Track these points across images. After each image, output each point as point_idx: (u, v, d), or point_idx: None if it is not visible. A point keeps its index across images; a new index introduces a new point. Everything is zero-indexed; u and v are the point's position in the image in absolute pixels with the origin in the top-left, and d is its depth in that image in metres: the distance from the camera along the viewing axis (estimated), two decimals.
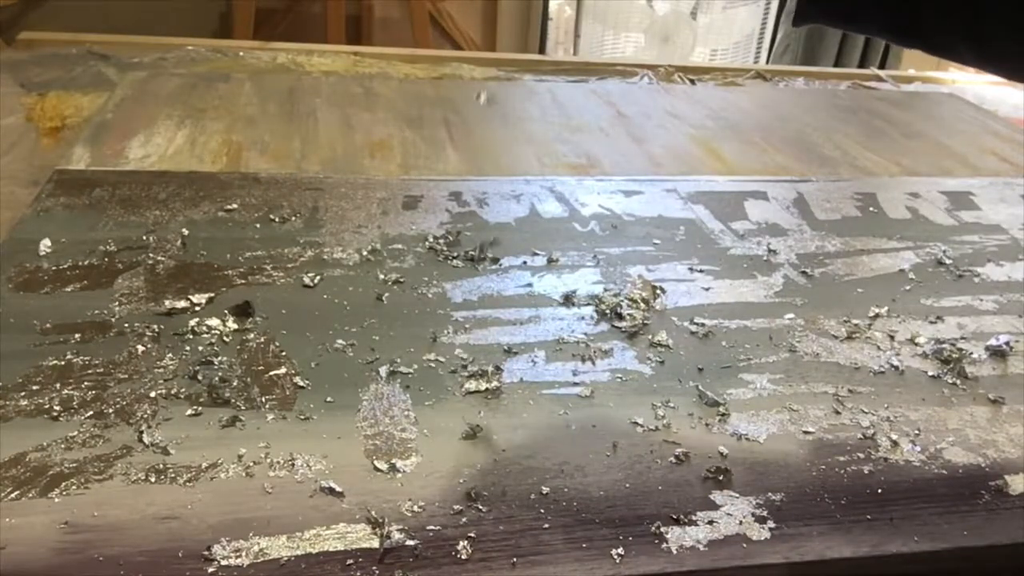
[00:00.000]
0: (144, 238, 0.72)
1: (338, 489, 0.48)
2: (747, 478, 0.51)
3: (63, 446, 0.49)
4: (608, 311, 0.67)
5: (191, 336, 0.60)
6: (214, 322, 0.61)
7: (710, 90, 1.33)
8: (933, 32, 0.45)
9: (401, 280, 0.69)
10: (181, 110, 1.01)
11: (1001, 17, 0.41)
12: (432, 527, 0.46)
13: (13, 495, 0.46)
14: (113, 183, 0.81)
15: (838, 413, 0.58)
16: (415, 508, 0.47)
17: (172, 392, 0.54)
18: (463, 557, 0.44)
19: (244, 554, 0.43)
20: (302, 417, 0.53)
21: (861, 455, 0.54)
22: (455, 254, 0.74)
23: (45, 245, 0.69)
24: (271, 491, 0.48)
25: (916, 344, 0.67)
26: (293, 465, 0.50)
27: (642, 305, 0.68)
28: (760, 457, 0.54)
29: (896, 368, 0.64)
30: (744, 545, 0.47)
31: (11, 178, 0.86)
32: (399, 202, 0.82)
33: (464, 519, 0.47)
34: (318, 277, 0.68)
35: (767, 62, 2.51)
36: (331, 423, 0.53)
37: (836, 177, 0.98)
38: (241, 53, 1.29)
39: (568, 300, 0.68)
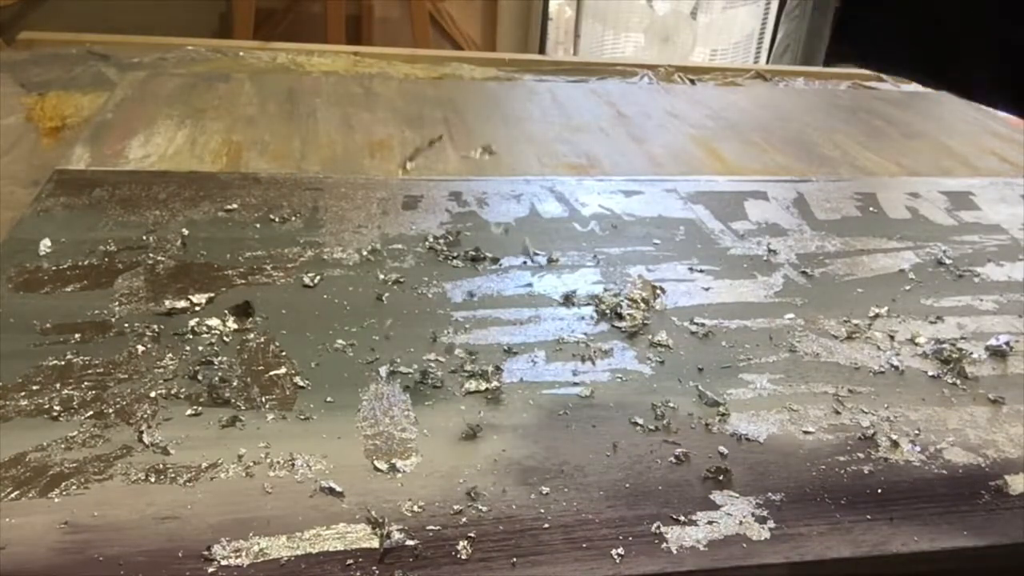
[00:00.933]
0: (144, 238, 0.72)
1: (338, 489, 0.48)
2: (747, 478, 0.51)
3: (63, 446, 0.49)
4: (608, 311, 0.67)
5: (191, 336, 0.60)
6: (214, 322, 0.61)
7: (710, 90, 1.33)
8: (962, 77, 0.45)
9: (401, 280, 0.69)
10: (181, 110, 1.01)
11: None
12: (432, 527, 0.46)
13: (13, 495, 0.46)
14: (113, 183, 0.81)
15: (838, 413, 0.58)
16: (415, 508, 0.47)
17: (172, 392, 0.54)
18: (463, 557, 0.44)
19: (244, 554, 0.43)
20: (302, 417, 0.53)
21: (861, 455, 0.54)
22: (455, 254, 0.74)
23: (45, 245, 0.69)
24: (271, 491, 0.48)
25: (916, 344, 0.67)
26: (293, 465, 0.50)
27: (642, 305, 0.68)
28: (760, 457, 0.54)
29: (896, 368, 0.64)
30: (744, 545, 0.47)
31: (11, 178, 0.86)
32: (399, 202, 0.82)
33: (464, 519, 0.47)
34: (318, 277, 0.68)
35: (767, 62, 2.51)
36: (331, 423, 0.53)
37: (836, 177, 0.98)
38: (241, 53, 1.29)
39: (568, 300, 0.68)
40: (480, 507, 0.48)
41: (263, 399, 0.55)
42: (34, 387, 0.54)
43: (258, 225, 0.76)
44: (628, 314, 0.67)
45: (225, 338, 0.60)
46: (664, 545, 0.46)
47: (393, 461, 0.50)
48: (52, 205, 0.76)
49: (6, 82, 1.09)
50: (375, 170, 0.90)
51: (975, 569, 0.49)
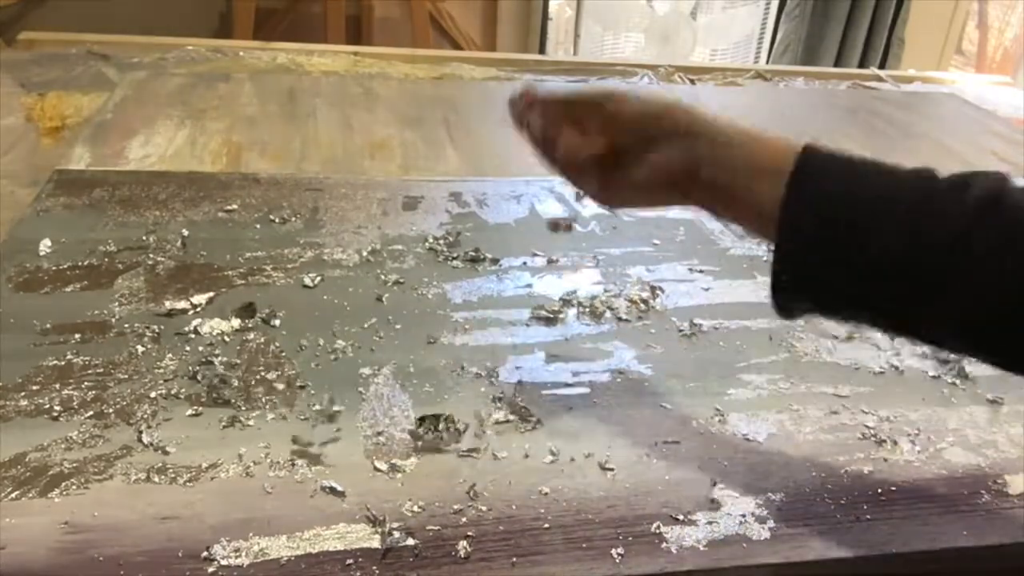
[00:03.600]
0: (144, 238, 0.72)
1: (338, 489, 0.48)
2: (747, 478, 0.52)
3: (63, 446, 0.49)
4: (608, 312, 0.67)
5: (191, 336, 0.60)
6: (214, 322, 0.61)
7: (710, 90, 1.33)
8: (928, 334, 0.46)
9: (401, 281, 0.69)
10: (181, 110, 1.01)
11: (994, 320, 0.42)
12: (432, 527, 0.46)
13: (13, 495, 0.46)
14: (113, 183, 0.81)
15: (838, 413, 0.58)
16: (415, 508, 0.47)
17: (172, 392, 0.54)
18: (463, 557, 0.45)
19: (244, 554, 0.43)
20: (302, 417, 0.53)
21: (861, 455, 0.54)
22: (455, 255, 0.74)
23: (45, 245, 0.69)
24: (271, 491, 0.48)
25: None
26: (293, 465, 0.50)
27: (642, 306, 0.68)
28: (760, 457, 0.54)
29: (896, 368, 0.64)
30: (744, 545, 0.47)
31: (11, 178, 0.86)
32: (399, 203, 0.82)
33: (464, 519, 0.47)
34: (318, 278, 0.68)
35: (767, 62, 2.52)
36: (331, 423, 0.53)
37: None
38: (241, 53, 1.29)
39: (568, 301, 0.68)
40: (480, 507, 0.48)
41: (263, 399, 0.55)
42: (34, 387, 0.54)
43: (258, 225, 0.76)
44: (628, 315, 0.67)
45: (225, 338, 0.60)
46: (664, 545, 0.46)
47: (393, 461, 0.50)
48: (52, 205, 0.76)
49: (6, 82, 1.09)
50: (375, 170, 0.90)
51: (975, 569, 0.49)
